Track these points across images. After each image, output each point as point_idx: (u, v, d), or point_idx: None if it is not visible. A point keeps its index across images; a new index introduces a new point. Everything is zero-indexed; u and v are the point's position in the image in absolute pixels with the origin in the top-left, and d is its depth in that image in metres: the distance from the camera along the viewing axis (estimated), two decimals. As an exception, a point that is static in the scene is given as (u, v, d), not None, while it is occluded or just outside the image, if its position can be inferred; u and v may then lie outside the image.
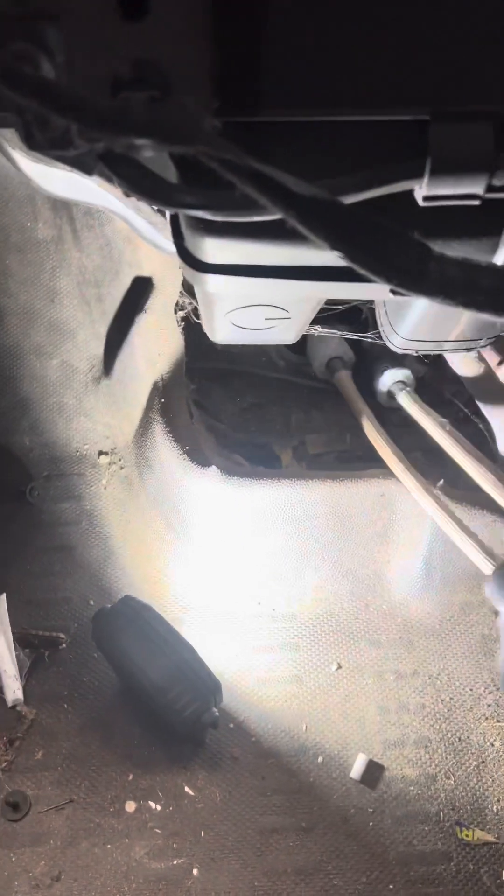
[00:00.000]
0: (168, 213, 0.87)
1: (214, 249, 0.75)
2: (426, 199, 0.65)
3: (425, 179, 0.63)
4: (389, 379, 1.81)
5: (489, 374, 1.69)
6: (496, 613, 1.03)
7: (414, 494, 1.51)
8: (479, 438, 1.86)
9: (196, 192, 0.65)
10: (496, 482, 1.45)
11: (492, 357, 1.73)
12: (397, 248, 0.62)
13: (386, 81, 0.62)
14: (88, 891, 1.30)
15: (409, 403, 1.76)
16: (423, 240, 0.63)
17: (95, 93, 0.57)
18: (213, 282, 0.80)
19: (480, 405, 1.73)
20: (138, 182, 0.66)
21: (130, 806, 1.40)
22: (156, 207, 1.16)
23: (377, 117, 0.63)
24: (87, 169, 0.67)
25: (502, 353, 1.77)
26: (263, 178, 0.57)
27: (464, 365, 1.64)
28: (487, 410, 1.71)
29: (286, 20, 0.58)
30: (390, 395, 1.82)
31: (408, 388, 1.80)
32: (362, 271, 0.59)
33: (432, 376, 1.93)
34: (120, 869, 1.32)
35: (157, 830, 1.37)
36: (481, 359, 1.67)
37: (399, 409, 1.82)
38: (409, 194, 0.67)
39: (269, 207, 0.58)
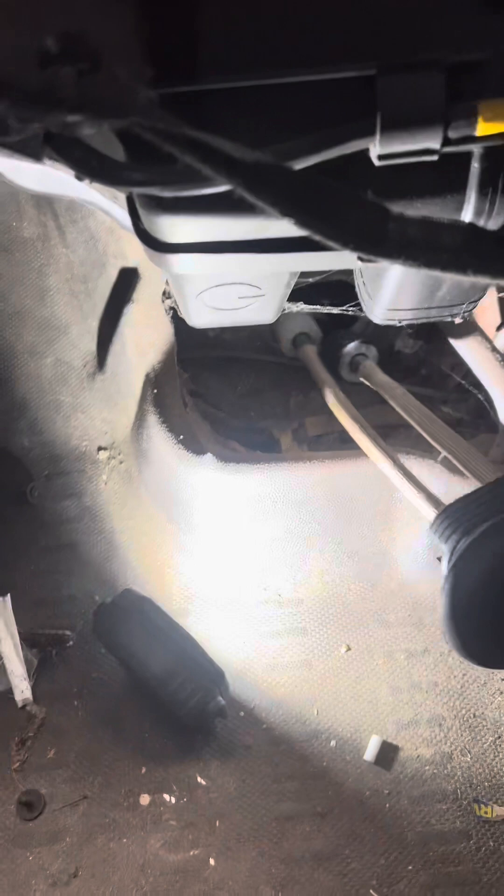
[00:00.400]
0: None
1: (170, 227, 0.72)
2: (381, 157, 0.62)
3: (377, 137, 0.60)
4: (352, 351, 1.82)
5: (487, 342, 1.66)
6: (439, 559, 1.00)
7: (377, 463, 1.47)
8: (479, 410, 1.83)
9: (142, 169, 0.63)
10: (457, 451, 1.40)
11: (490, 322, 1.69)
12: (352, 211, 0.60)
13: (327, 38, 0.59)
14: (106, 885, 1.30)
15: (369, 374, 1.74)
16: (383, 201, 0.61)
17: (22, 70, 0.55)
18: (174, 262, 0.78)
19: (479, 375, 1.69)
20: (85, 163, 0.64)
21: (144, 799, 1.39)
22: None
23: (322, 76, 0.60)
24: (34, 154, 0.65)
25: (501, 317, 1.73)
26: (203, 146, 0.54)
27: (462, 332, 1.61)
28: (486, 380, 1.68)
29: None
30: (353, 366, 1.81)
31: (370, 360, 1.79)
32: (317, 237, 0.57)
33: (429, 350, 1.90)
34: (136, 862, 1.32)
35: (172, 822, 1.36)
36: (476, 325, 1.63)
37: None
38: (366, 156, 0.64)
39: (213, 177, 0.56)
